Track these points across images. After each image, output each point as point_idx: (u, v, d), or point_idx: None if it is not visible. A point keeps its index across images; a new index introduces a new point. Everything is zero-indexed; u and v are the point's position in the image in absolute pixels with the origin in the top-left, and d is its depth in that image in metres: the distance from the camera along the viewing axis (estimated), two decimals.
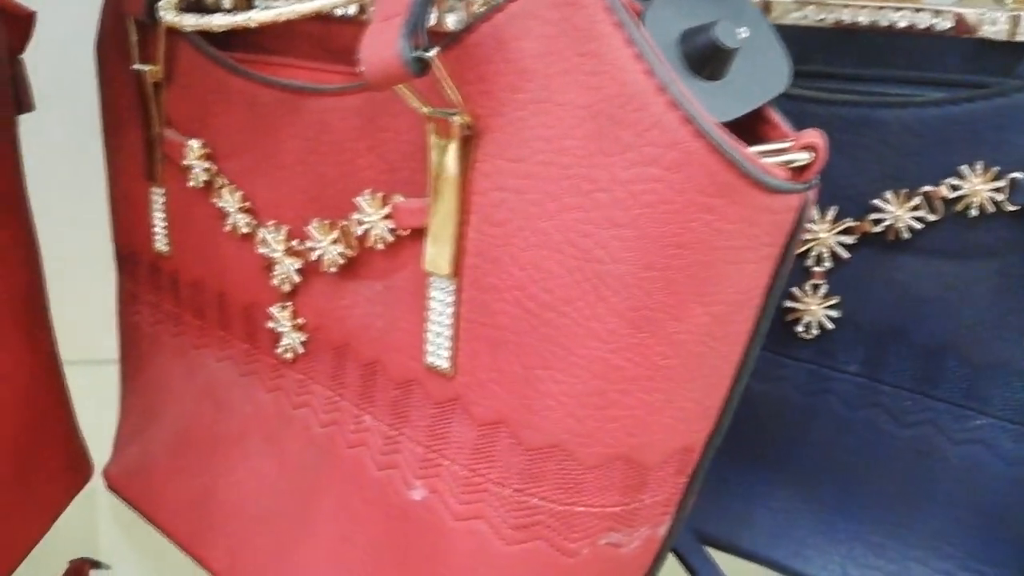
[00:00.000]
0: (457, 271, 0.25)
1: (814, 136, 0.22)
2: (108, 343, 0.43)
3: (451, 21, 0.27)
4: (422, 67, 0.22)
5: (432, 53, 0.22)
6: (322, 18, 0.31)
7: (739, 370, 0.25)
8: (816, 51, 0.35)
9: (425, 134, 0.25)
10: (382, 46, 0.22)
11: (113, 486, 0.41)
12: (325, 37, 0.31)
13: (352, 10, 0.30)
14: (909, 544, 0.33)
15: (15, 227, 0.36)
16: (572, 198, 0.22)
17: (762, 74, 0.24)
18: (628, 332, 0.22)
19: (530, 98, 0.22)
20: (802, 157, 0.22)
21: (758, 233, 0.22)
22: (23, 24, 0.37)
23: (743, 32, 0.23)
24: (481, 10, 0.26)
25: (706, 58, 0.22)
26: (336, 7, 0.27)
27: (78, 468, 0.41)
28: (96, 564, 0.46)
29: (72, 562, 0.43)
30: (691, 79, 0.22)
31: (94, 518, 0.43)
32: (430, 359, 0.26)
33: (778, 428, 0.35)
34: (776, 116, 0.23)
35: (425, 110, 0.24)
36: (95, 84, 0.38)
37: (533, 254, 0.23)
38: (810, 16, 0.35)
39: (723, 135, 0.20)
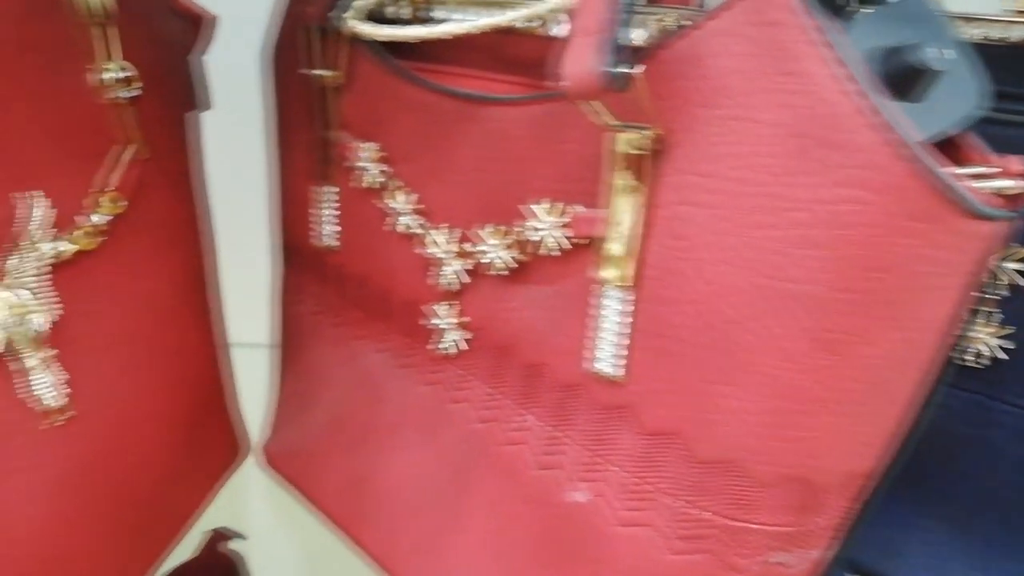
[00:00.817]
0: (634, 281, 0.25)
1: (1016, 164, 0.21)
2: (258, 328, 0.46)
3: (636, 36, 0.27)
4: (624, 82, 0.22)
5: (636, 69, 0.22)
6: (498, 30, 0.32)
7: (924, 397, 0.24)
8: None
9: (606, 146, 0.25)
10: (583, 60, 0.22)
11: (272, 464, 0.44)
12: (499, 48, 0.32)
13: (535, 22, 0.31)
14: None
15: (191, 214, 0.39)
16: (765, 216, 0.22)
17: (957, 96, 0.23)
18: (817, 353, 0.22)
19: (725, 115, 0.23)
20: (1011, 185, 0.21)
21: (961, 260, 0.21)
22: (204, 27, 0.40)
23: (949, 54, 0.22)
24: (673, 26, 0.26)
25: (910, 79, 0.22)
26: (519, 22, 0.28)
27: (234, 444, 0.43)
28: (233, 535, 0.49)
29: (209, 531, 0.47)
30: (892, 100, 0.22)
31: (246, 495, 0.45)
32: (597, 365, 0.27)
33: (939, 459, 0.34)
34: (976, 140, 0.23)
35: (612, 123, 0.24)
36: (254, 86, 0.41)
37: (719, 269, 0.23)
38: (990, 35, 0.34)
39: (934, 159, 0.20)
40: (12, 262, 0.27)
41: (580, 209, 0.27)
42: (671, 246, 0.24)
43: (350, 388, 0.39)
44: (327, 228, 0.38)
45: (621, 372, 0.26)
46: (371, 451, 0.37)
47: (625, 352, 0.26)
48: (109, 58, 0.32)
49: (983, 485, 0.34)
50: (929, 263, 0.21)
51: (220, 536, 0.49)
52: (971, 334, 0.33)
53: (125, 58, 0.32)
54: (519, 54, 0.31)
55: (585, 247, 0.27)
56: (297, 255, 0.41)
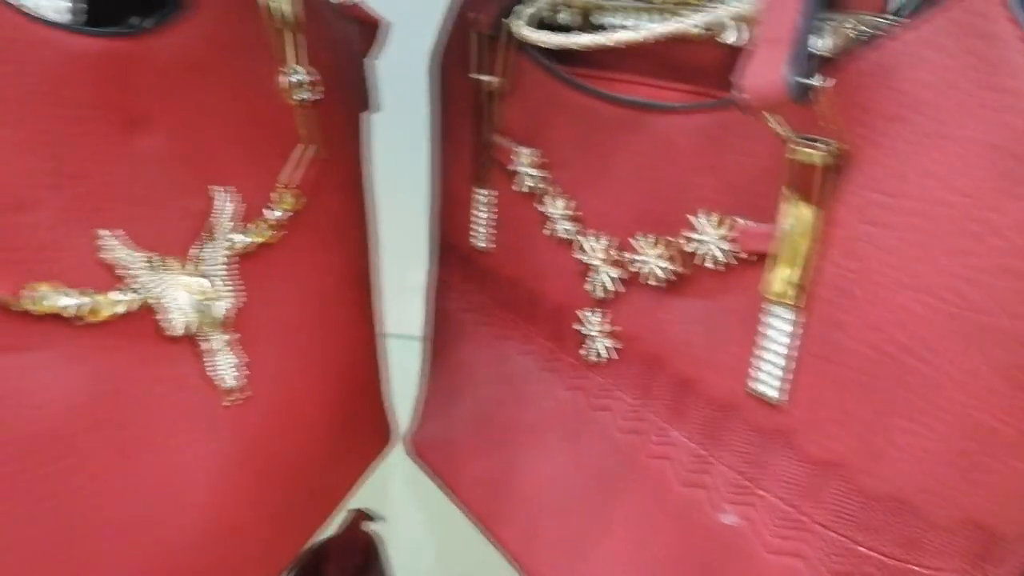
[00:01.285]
0: (804, 302, 0.24)
1: None
2: (411, 321, 0.47)
3: (820, 45, 0.26)
4: (806, 94, 0.22)
5: (821, 82, 0.22)
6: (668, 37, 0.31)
7: None
8: None
9: (781, 159, 0.24)
10: (765, 70, 0.22)
11: (416, 453, 0.45)
12: (667, 54, 0.32)
13: (708, 27, 0.30)
14: None
15: (359, 211, 0.41)
16: (958, 240, 0.21)
17: None
18: (1010, 392, 0.20)
19: (920, 131, 0.21)
20: None
21: None
22: (378, 33, 0.42)
23: None
24: (858, 36, 0.25)
25: None
26: (699, 28, 0.27)
27: (383, 432, 0.45)
28: (372, 517, 0.51)
29: (351, 511, 0.49)
30: None
31: (388, 480, 0.47)
32: (757, 386, 0.26)
33: None
34: None
35: (792, 136, 0.23)
36: (417, 89, 0.42)
37: (900, 295, 0.22)
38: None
39: None
40: (205, 251, 0.30)
41: (747, 223, 0.26)
42: (848, 267, 0.23)
43: (495, 386, 0.39)
44: (483, 230, 0.39)
45: (783, 395, 0.25)
46: (511, 450, 0.38)
47: (789, 374, 0.25)
48: (296, 62, 0.34)
49: None
50: None
51: (362, 516, 0.52)
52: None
53: (310, 63, 0.35)
54: (688, 61, 0.31)
55: (750, 263, 0.26)
56: (452, 254, 0.42)
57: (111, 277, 0.26)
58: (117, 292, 0.26)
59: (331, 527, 0.46)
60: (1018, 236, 0.19)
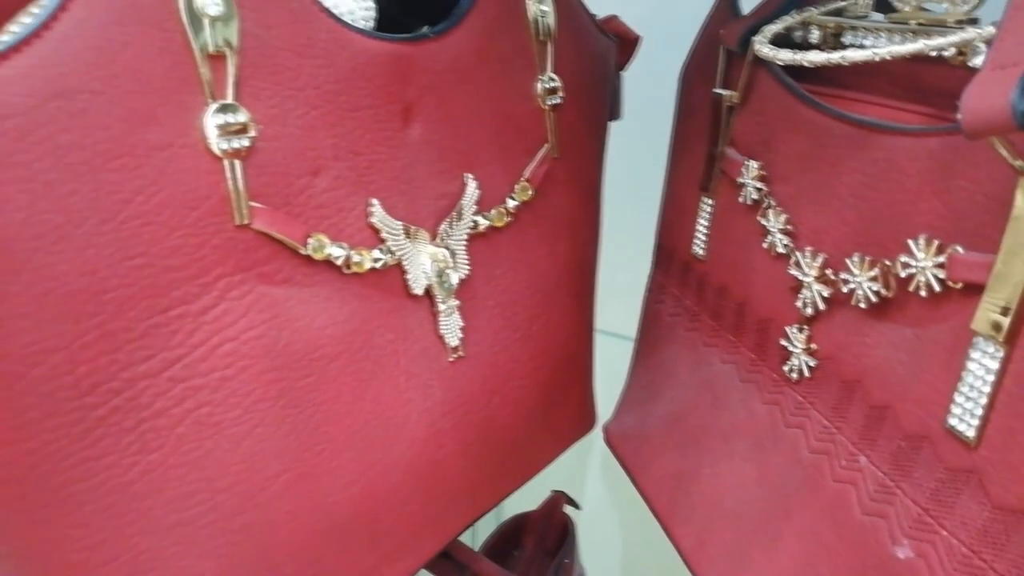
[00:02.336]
0: (1012, 339, 0.23)
1: None
2: (622, 320, 0.50)
3: None
4: None
5: None
6: (910, 57, 0.30)
7: None
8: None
9: (1011, 189, 0.23)
10: (991, 95, 0.21)
11: (610, 442, 0.48)
12: (909, 76, 0.31)
13: (949, 51, 0.29)
14: None
15: (593, 212, 0.44)
16: None
17: None
18: None
19: None
20: None
21: None
22: (631, 46, 0.45)
23: None
24: None
25: None
26: (936, 49, 0.27)
27: (585, 418, 0.48)
28: (570, 501, 0.55)
29: (553, 492, 0.52)
30: None
31: (586, 465, 0.50)
32: (953, 422, 0.25)
33: None
34: None
35: (1018, 164, 0.22)
36: (656, 98, 0.44)
37: None
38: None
39: None
40: (445, 227, 0.35)
41: (962, 251, 0.25)
42: None
43: (693, 390, 0.41)
44: (701, 237, 0.40)
45: (976, 433, 0.24)
46: (700, 452, 0.39)
47: (985, 412, 0.24)
48: (552, 71, 0.38)
49: None
50: None
51: (563, 499, 0.55)
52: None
53: (555, 71, 0.39)
54: (927, 82, 0.30)
55: (960, 292, 0.25)
56: (668, 258, 0.44)
57: (374, 238, 0.32)
58: (377, 250, 0.32)
59: (532, 502, 0.50)
60: None
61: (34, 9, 0.24)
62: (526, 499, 0.46)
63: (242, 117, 0.27)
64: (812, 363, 0.32)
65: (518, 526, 0.56)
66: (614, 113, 0.47)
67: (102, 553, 0.26)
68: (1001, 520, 0.23)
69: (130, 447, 0.26)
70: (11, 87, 0.22)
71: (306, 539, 0.31)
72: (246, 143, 0.27)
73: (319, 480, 0.31)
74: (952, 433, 0.25)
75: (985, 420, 0.24)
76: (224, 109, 0.26)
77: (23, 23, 0.24)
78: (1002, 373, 0.23)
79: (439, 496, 0.37)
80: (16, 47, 0.22)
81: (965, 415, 0.24)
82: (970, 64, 0.28)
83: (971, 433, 0.24)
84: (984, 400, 0.24)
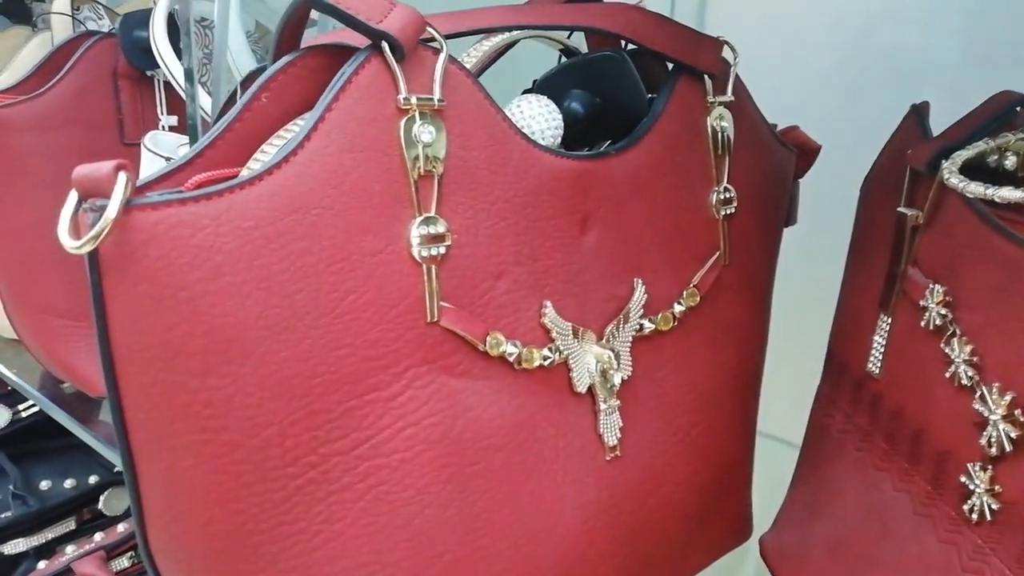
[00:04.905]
0: None
1: None
2: (789, 426, 0.48)
3: None
4: None
5: None
6: None
7: None
8: None
9: None
10: None
11: (766, 556, 0.46)
12: None
13: None
14: None
15: (761, 318, 0.44)
16: None
17: None
18: None
19: None
20: None
21: None
22: (811, 156, 0.45)
23: None
24: None
25: None
26: None
27: (742, 527, 0.47)
28: None
29: None
30: None
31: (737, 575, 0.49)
32: None
33: None
34: None
35: None
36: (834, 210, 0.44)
37: None
38: None
39: None
40: (611, 329, 0.36)
41: None
42: None
43: (860, 514, 0.39)
44: (877, 355, 0.39)
45: None
46: None
47: None
48: (728, 182, 0.39)
49: None
50: None
51: None
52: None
53: (731, 182, 0.40)
54: None
55: None
56: (840, 372, 0.43)
57: (545, 337, 0.34)
58: (547, 349, 0.34)
59: None
60: None
61: (283, 135, 0.29)
62: None
63: (441, 228, 0.30)
64: (996, 506, 0.30)
65: None
66: (790, 219, 0.47)
67: None
68: None
69: (319, 515, 0.29)
70: (261, 203, 0.26)
71: None
72: (443, 251, 0.30)
73: (476, 565, 0.33)
74: None
75: None
76: (427, 221, 0.30)
77: (273, 146, 0.29)
78: None
79: None
80: (269, 170, 0.26)
81: None
82: None
83: None
84: None
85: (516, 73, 0.41)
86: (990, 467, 0.31)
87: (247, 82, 0.32)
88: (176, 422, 0.27)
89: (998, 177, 0.33)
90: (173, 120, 0.70)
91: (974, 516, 0.31)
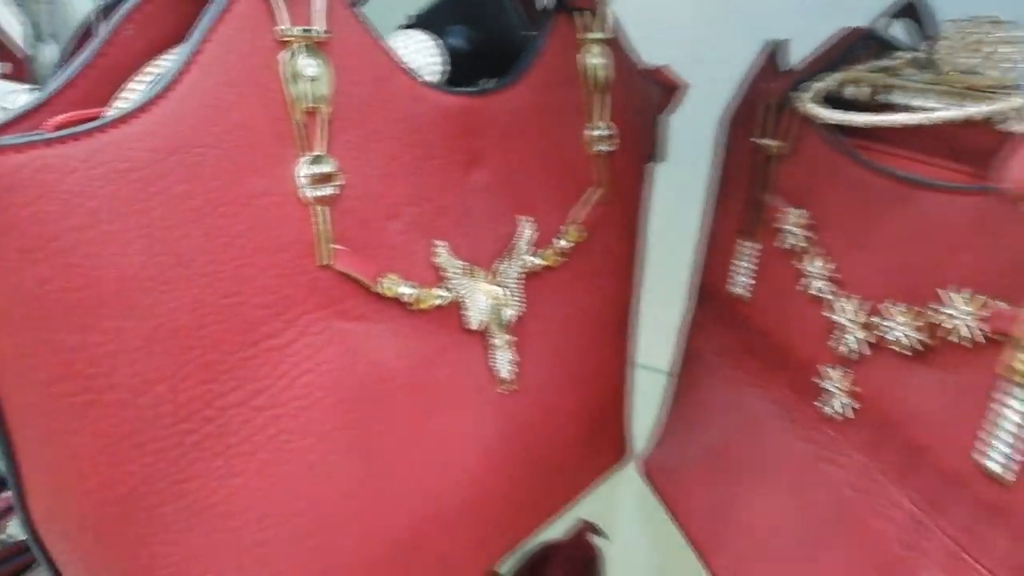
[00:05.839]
0: None
1: None
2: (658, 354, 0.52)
3: None
4: None
5: None
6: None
7: None
8: None
9: None
10: None
11: (647, 473, 0.49)
12: (945, 136, 0.33)
13: (991, 115, 0.31)
14: None
15: (632, 250, 0.46)
16: None
17: None
18: None
19: None
20: None
21: None
22: (675, 93, 0.47)
23: None
24: None
25: None
26: (985, 116, 0.29)
27: (621, 448, 0.50)
28: (597, 531, 0.56)
29: (580, 521, 0.53)
30: None
31: (616, 495, 0.52)
32: (987, 463, 0.27)
33: None
34: None
35: None
36: (696, 145, 0.46)
37: None
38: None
39: None
40: (504, 267, 0.37)
41: (999, 304, 0.27)
42: None
43: (732, 426, 0.42)
44: (742, 279, 0.42)
45: (1010, 475, 0.26)
46: (737, 486, 0.40)
47: (1017, 455, 0.25)
48: (600, 119, 0.40)
49: None
50: None
51: (589, 528, 0.57)
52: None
53: (611, 119, 0.41)
54: (965, 144, 0.32)
55: (996, 342, 0.27)
56: (709, 298, 0.46)
57: (437, 277, 0.34)
58: (439, 289, 0.34)
59: (559, 531, 0.51)
60: None
61: (151, 69, 0.27)
62: (553, 528, 0.47)
63: (329, 167, 0.29)
64: (851, 403, 0.34)
65: (545, 555, 0.57)
66: (657, 156, 0.49)
67: (188, 571, 0.28)
68: None
69: (218, 471, 0.28)
70: (137, 143, 0.24)
71: (370, 561, 0.33)
72: (333, 191, 0.29)
73: (383, 505, 0.33)
74: (987, 473, 0.27)
75: (1014, 460, 0.25)
76: (315, 160, 0.29)
77: (140, 82, 0.27)
78: None
79: (487, 521, 0.39)
80: (142, 107, 0.24)
81: (999, 457, 0.26)
82: (1003, 127, 0.30)
83: (1005, 473, 0.26)
84: (1015, 441, 0.25)
85: (386, 7, 0.40)
86: (848, 370, 0.34)
87: (106, 13, 0.30)
88: (54, 384, 0.25)
89: (849, 107, 0.36)
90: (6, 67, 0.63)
91: (835, 416, 0.35)
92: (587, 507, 0.48)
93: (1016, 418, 0.25)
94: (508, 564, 0.46)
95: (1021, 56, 0.32)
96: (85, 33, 0.29)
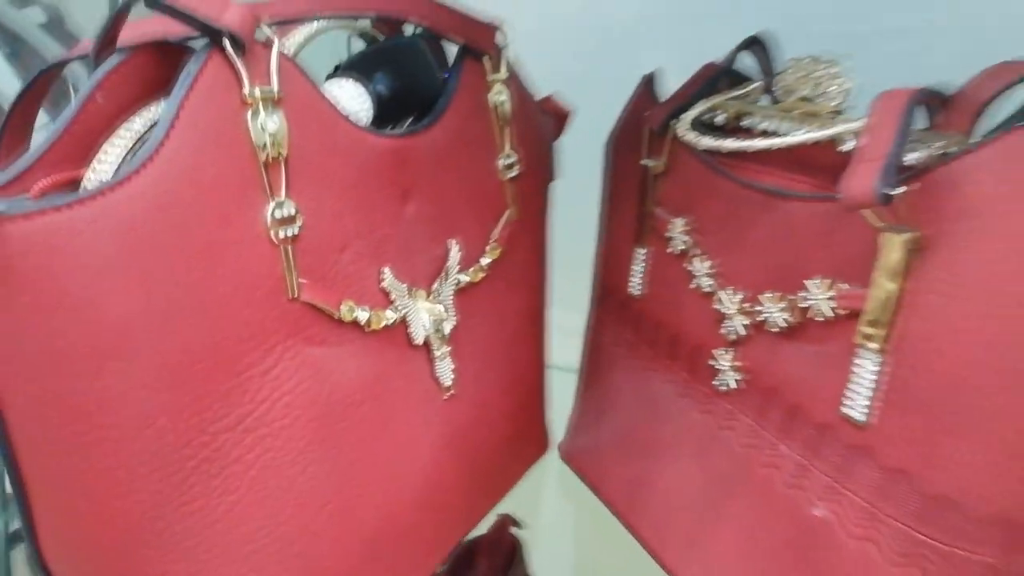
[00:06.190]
0: (885, 348, 0.32)
1: None
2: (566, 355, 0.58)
3: (912, 157, 0.34)
4: (889, 200, 0.30)
5: (900, 191, 0.30)
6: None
7: None
8: None
9: (876, 242, 0.33)
10: (861, 181, 0.31)
11: (568, 458, 0.55)
12: (796, 153, 0.40)
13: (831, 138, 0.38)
14: None
15: (541, 262, 0.52)
16: (996, 313, 0.28)
17: None
18: None
19: (971, 229, 0.29)
20: None
21: None
22: (565, 120, 0.53)
23: None
24: (938, 153, 0.33)
25: None
26: (820, 139, 0.36)
27: (543, 441, 0.56)
28: (517, 523, 0.61)
29: (500, 515, 0.59)
30: None
31: (541, 484, 0.57)
32: (846, 411, 0.34)
33: None
34: None
35: (882, 225, 0.32)
36: (589, 163, 0.53)
37: (957, 348, 0.30)
38: None
39: None
40: (438, 286, 0.42)
41: (847, 287, 0.34)
42: (918, 325, 0.31)
43: (638, 408, 0.49)
44: (638, 280, 0.49)
45: (867, 418, 0.33)
46: (650, 459, 0.47)
47: (872, 403, 0.33)
48: (509, 148, 0.46)
49: None
50: None
51: (509, 521, 0.62)
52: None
53: (513, 148, 0.46)
54: (812, 160, 0.39)
55: (848, 316, 0.34)
56: (610, 298, 0.53)
57: (385, 300, 0.38)
58: (388, 310, 0.38)
59: (483, 528, 0.56)
60: None
61: (123, 133, 0.30)
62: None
63: (292, 210, 0.33)
64: (738, 378, 0.41)
65: (470, 551, 0.62)
66: (553, 176, 0.55)
67: None
68: (887, 478, 0.32)
69: (215, 490, 0.31)
70: (133, 204, 0.27)
71: (347, 561, 0.37)
72: (296, 231, 0.33)
73: (354, 509, 0.37)
74: (848, 420, 0.34)
75: (872, 408, 0.33)
76: (279, 205, 0.32)
77: (115, 145, 0.30)
78: (882, 373, 0.32)
79: (442, 515, 0.44)
80: (136, 171, 0.27)
81: (857, 406, 0.34)
82: (842, 148, 0.38)
83: (862, 418, 0.33)
84: (870, 393, 0.33)
85: (311, 55, 0.44)
86: (731, 350, 0.41)
87: (39, 78, 0.32)
88: (67, 426, 0.27)
89: (715, 130, 0.44)
90: None
91: (723, 388, 0.42)
92: (514, 493, 0.54)
93: (868, 375, 0.33)
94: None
95: (844, 88, 0.40)
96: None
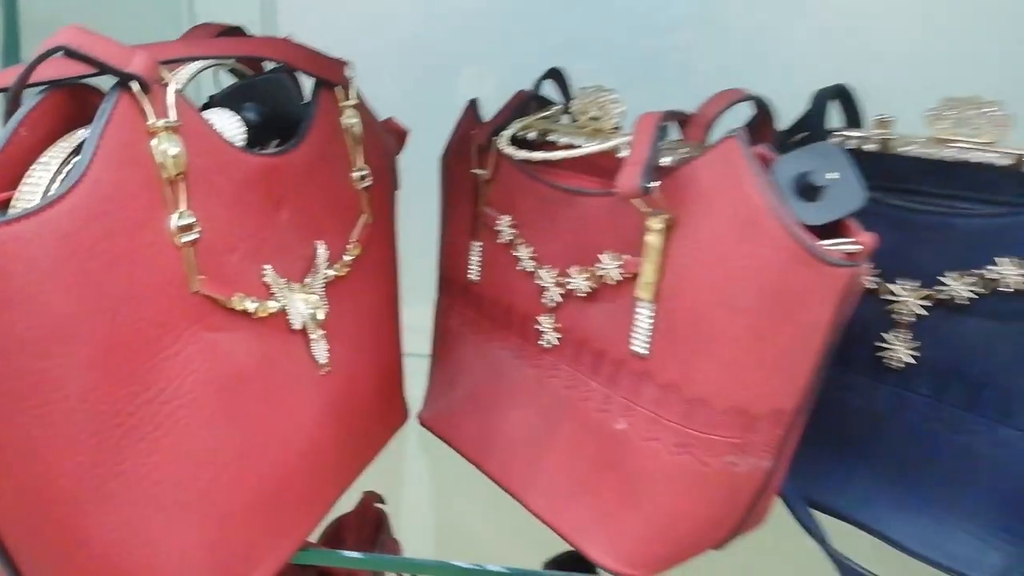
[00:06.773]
0: (655, 298, 0.45)
1: (865, 237, 0.40)
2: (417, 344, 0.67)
3: (664, 160, 0.47)
4: (648, 191, 0.42)
5: (655, 185, 0.42)
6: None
7: (813, 372, 0.42)
8: (914, 174, 0.51)
9: (644, 224, 0.45)
10: (629, 179, 0.42)
11: (427, 423, 0.65)
12: (590, 160, 0.53)
13: (611, 148, 0.51)
14: (959, 516, 0.48)
15: (393, 258, 0.61)
16: (719, 266, 0.41)
17: (845, 197, 0.42)
18: (752, 341, 0.41)
19: (702, 209, 0.42)
20: (854, 247, 0.40)
21: (828, 288, 0.40)
22: (403, 138, 0.63)
23: (833, 175, 0.41)
24: (682, 157, 0.46)
25: (807, 189, 0.41)
26: (604, 150, 0.48)
27: (402, 412, 0.65)
28: (380, 499, 0.70)
29: (365, 493, 0.67)
30: (800, 202, 0.40)
31: (404, 449, 0.66)
32: (633, 348, 0.46)
33: (871, 432, 0.51)
34: (853, 222, 0.41)
35: (647, 210, 0.44)
36: (425, 173, 0.63)
37: (699, 293, 0.42)
38: (914, 150, 0.51)
39: (804, 233, 0.39)
40: (310, 279, 0.50)
41: (628, 257, 0.47)
42: (676, 281, 0.44)
43: (482, 372, 0.59)
44: (475, 268, 0.59)
45: (647, 351, 0.45)
46: (494, 412, 0.57)
47: (650, 339, 0.45)
48: (361, 163, 0.54)
49: (902, 449, 0.50)
50: (804, 290, 0.40)
51: (373, 497, 0.71)
52: (889, 346, 0.50)
53: (366, 162, 0.55)
54: (601, 164, 0.52)
55: (630, 279, 0.46)
56: (451, 285, 0.63)
57: (268, 292, 0.46)
58: (271, 301, 0.46)
59: (349, 505, 0.64)
60: (745, 261, 0.40)
61: (45, 161, 0.36)
62: (345, 503, 0.60)
63: (191, 219, 0.40)
64: (558, 336, 0.53)
65: (338, 527, 0.70)
66: (397, 186, 0.64)
67: (128, 530, 0.38)
68: (664, 392, 0.44)
69: (143, 451, 0.38)
70: (72, 216, 0.34)
71: (252, 508, 0.44)
72: (195, 237, 0.40)
73: (254, 465, 0.45)
74: (634, 354, 0.46)
75: (651, 343, 0.45)
76: (180, 215, 0.39)
77: (38, 170, 0.36)
78: (655, 317, 0.45)
79: (325, 472, 0.52)
80: (70, 190, 0.34)
81: (641, 343, 0.46)
82: (619, 155, 0.50)
83: (644, 351, 0.45)
84: (648, 333, 0.45)
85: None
86: (551, 315, 0.53)
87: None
88: (23, 400, 0.33)
89: (527, 144, 0.55)
90: None
91: (546, 346, 0.53)
92: (380, 461, 0.62)
93: (645, 320, 0.45)
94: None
95: (620, 111, 0.53)
96: None
